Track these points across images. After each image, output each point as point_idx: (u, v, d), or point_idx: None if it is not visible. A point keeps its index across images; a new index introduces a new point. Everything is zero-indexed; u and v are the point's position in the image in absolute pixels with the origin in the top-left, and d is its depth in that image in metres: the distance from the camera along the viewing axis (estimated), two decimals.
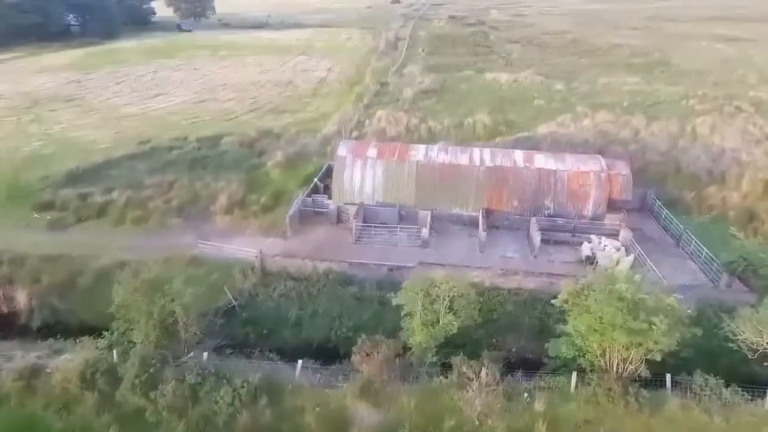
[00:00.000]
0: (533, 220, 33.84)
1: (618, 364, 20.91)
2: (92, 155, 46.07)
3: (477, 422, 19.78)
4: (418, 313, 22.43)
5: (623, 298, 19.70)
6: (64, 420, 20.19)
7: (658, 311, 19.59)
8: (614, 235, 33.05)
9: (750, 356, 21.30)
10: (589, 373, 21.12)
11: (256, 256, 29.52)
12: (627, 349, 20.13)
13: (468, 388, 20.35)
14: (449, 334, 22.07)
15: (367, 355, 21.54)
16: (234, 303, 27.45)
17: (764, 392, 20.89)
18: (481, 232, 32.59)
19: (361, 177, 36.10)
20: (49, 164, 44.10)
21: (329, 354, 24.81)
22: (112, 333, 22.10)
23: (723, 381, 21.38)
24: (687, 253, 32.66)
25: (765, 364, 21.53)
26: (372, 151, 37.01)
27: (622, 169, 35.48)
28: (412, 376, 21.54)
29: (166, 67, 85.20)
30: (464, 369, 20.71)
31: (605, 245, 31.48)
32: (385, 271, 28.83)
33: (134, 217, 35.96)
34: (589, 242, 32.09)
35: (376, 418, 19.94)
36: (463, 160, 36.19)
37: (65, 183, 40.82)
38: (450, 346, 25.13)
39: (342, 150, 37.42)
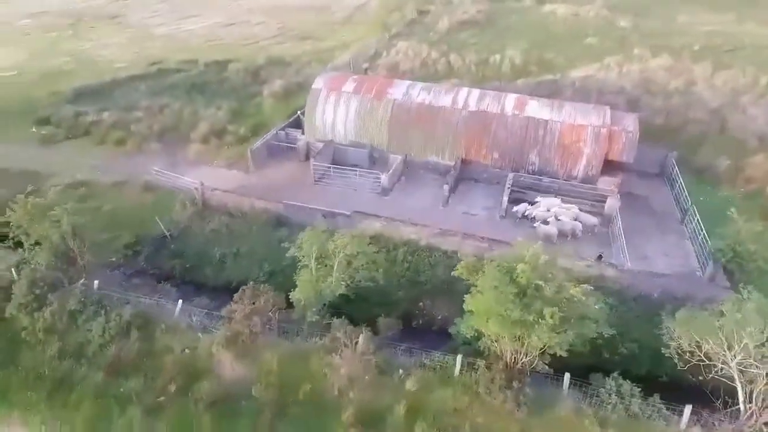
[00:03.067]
0: (510, 175, 29.87)
1: (511, 354, 18.14)
2: (105, 74, 46.99)
3: (336, 392, 18.29)
4: (312, 267, 20.69)
5: (517, 282, 16.60)
6: None
7: (556, 302, 16.34)
8: (599, 201, 28.45)
9: (680, 366, 17.54)
10: (479, 359, 18.57)
11: (197, 189, 28.82)
12: (517, 339, 17.25)
13: (338, 354, 18.72)
14: (337, 293, 20.20)
15: (253, 303, 20.40)
16: (166, 234, 27.25)
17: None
18: (446, 185, 29.40)
19: (334, 113, 33.55)
20: (63, 81, 45.60)
21: None
22: (24, 250, 22.53)
23: (647, 390, 18.01)
24: (688, 233, 27.52)
25: (700, 377, 17.73)
26: (349, 86, 34.03)
27: (629, 125, 29.84)
28: (292, 334, 20.22)
29: None
30: (338, 334, 18.96)
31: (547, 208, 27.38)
32: (319, 216, 26.99)
33: (115, 139, 36.52)
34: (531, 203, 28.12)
35: (237, 371, 19.09)
36: (444, 101, 32.27)
37: (70, 100, 42.12)
38: (364, 303, 23.60)
39: (318, 82, 34.78)
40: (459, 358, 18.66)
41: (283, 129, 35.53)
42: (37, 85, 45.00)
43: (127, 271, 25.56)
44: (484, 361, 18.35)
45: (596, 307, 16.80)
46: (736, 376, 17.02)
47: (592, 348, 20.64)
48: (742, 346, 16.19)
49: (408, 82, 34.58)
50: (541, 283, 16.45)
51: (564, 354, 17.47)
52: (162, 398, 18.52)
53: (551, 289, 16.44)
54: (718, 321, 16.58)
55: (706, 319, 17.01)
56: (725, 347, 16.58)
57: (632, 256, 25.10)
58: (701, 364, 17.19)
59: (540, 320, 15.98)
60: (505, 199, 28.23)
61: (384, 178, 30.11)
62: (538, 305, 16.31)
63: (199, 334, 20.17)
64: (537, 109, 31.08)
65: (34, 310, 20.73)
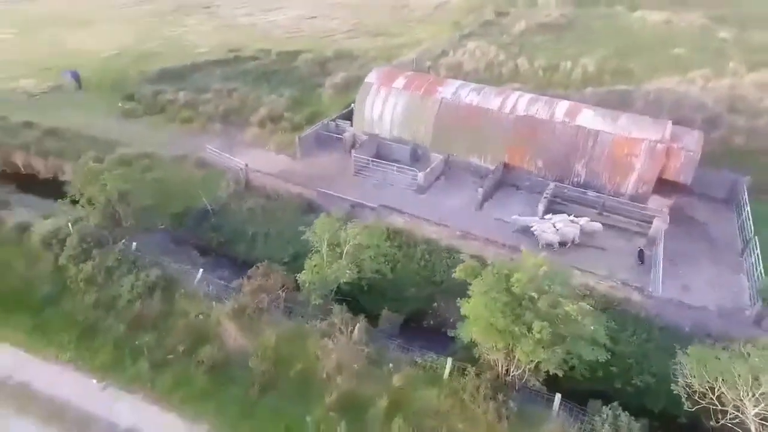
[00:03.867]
0: (551, 185, 28.61)
1: (502, 365, 17.54)
2: (188, 58, 50.85)
3: (324, 375, 18.73)
4: (323, 253, 21.28)
5: (511, 291, 16.04)
6: (27, 269, 24.35)
7: (550, 317, 15.59)
8: (646, 222, 26.44)
9: (688, 406, 16.02)
10: (471, 366, 18.13)
11: (241, 169, 30.51)
12: (506, 350, 16.67)
13: (333, 340, 19.16)
14: (342, 280, 20.61)
15: (266, 278, 21.39)
16: (208, 208, 29.14)
17: None
18: (480, 188, 28.76)
19: (382, 107, 33.95)
20: (153, 62, 49.95)
21: None
22: (81, 205, 25.19)
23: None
24: (746, 267, 24.87)
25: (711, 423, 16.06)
26: (400, 81, 34.24)
27: (690, 143, 27.37)
28: (296, 314, 20.94)
29: None
30: (335, 320, 19.39)
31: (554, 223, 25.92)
32: (347, 206, 27.52)
33: (184, 117, 39.48)
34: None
35: (239, 342, 20.15)
36: (493, 104, 31.49)
37: (153, 80, 46.08)
38: (378, 296, 23.89)
39: (371, 76, 35.33)
40: (449, 361, 18.37)
41: (333, 120, 36.49)
42: (132, 64, 49.68)
43: (169, 238, 27.64)
44: (475, 369, 17.90)
45: (591, 328, 15.71)
46: (753, 430, 15.30)
47: (605, 375, 19.51)
48: (759, 393, 14.53)
49: (459, 82, 34.12)
50: (534, 294, 15.77)
51: (559, 373, 16.72)
52: (170, 356, 20.02)
53: (545, 303, 15.70)
54: (736, 363, 14.97)
55: (722, 359, 15.42)
56: (742, 393, 14.94)
57: (672, 284, 23.16)
58: (712, 408, 15.62)
59: (527, 333, 15.33)
60: (541, 207, 27.09)
61: (420, 175, 30.03)
62: (529, 317, 15.67)
63: (213, 303, 21.45)
64: (590, 118, 29.41)
65: (80, 262, 23.22)
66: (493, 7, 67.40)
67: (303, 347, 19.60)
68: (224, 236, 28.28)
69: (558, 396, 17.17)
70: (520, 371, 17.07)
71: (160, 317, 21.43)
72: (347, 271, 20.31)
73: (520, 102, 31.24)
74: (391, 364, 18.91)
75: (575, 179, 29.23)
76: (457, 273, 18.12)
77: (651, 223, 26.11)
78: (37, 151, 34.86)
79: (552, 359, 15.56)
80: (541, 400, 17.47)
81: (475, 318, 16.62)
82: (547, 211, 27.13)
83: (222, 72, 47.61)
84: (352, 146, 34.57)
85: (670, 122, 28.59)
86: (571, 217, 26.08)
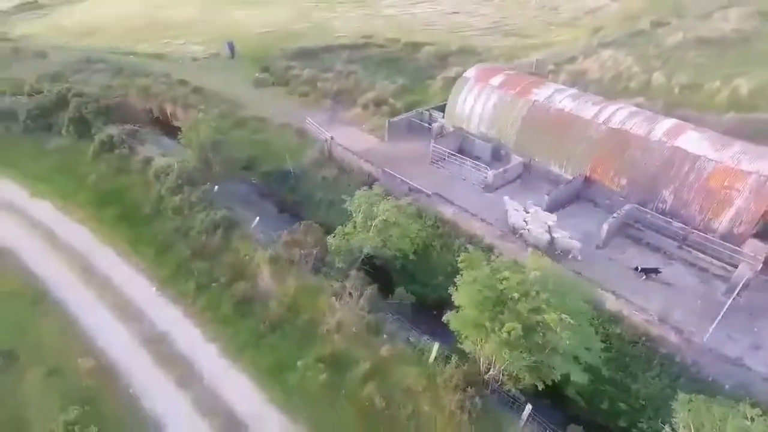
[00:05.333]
0: (626, 206, 26.22)
1: (484, 362, 17.27)
2: (325, 41, 55.58)
3: (325, 330, 20.26)
4: (357, 222, 22.75)
5: (496, 287, 15.83)
6: (141, 194, 29.88)
7: (529, 323, 15.09)
8: (734, 266, 22.95)
9: None
10: (456, 356, 18.12)
11: (326, 141, 33.18)
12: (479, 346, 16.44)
13: (340, 300, 20.62)
14: (364, 251, 21.86)
15: (304, 235, 23.65)
16: (291, 171, 32.41)
17: None
18: (546, 195, 27.44)
19: (474, 102, 33.96)
20: (294, 41, 55.64)
21: None
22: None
23: None
24: None
25: None
26: (497, 79, 33.81)
27: None
28: (320, 271, 22.78)
29: None
30: (347, 284, 20.78)
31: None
32: (406, 189, 28.45)
33: (301, 91, 43.72)
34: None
35: (267, 284, 22.67)
36: (586, 112, 29.59)
37: (289, 56, 51.45)
38: (408, 276, 24.78)
39: (471, 71, 35.40)
40: (436, 346, 18.60)
41: (428, 110, 37.39)
42: (277, 41, 55.94)
43: (257, 191, 31.68)
44: (458, 360, 17.89)
45: (567, 342, 14.75)
46: None
47: (611, 409, 18.21)
48: None
49: (557, 86, 32.55)
50: (516, 295, 15.35)
51: (539, 385, 16.11)
52: (214, 284, 23.32)
53: (526, 307, 15.20)
54: (729, 421, 13.01)
55: (721, 413, 13.46)
56: None
57: (741, 338, 20.08)
58: None
59: (496, 330, 15.07)
60: (605, 227, 25.06)
61: (490, 174, 29.64)
62: (506, 317, 15.35)
63: (259, 248, 24.29)
64: (693, 140, 26.11)
65: (173, 194, 27.89)
66: (653, 17, 61.25)
67: (315, 301, 21.37)
68: (297, 197, 31.33)
69: (528, 407, 16.40)
70: (495, 371, 16.67)
71: (216, 250, 24.96)
72: (369, 243, 21.44)
73: (618, 114, 28.88)
74: (385, 336, 19.72)
75: (660, 205, 26.31)
76: (460, 262, 18.16)
77: (733, 266, 22.64)
78: (182, 104, 41.74)
79: (515, 363, 15.05)
80: (516, 407, 16.88)
81: (459, 307, 16.68)
82: (626, 237, 25.08)
83: (348, 55, 51.22)
84: (439, 137, 35.18)
85: None
86: (551, 222, 24.47)
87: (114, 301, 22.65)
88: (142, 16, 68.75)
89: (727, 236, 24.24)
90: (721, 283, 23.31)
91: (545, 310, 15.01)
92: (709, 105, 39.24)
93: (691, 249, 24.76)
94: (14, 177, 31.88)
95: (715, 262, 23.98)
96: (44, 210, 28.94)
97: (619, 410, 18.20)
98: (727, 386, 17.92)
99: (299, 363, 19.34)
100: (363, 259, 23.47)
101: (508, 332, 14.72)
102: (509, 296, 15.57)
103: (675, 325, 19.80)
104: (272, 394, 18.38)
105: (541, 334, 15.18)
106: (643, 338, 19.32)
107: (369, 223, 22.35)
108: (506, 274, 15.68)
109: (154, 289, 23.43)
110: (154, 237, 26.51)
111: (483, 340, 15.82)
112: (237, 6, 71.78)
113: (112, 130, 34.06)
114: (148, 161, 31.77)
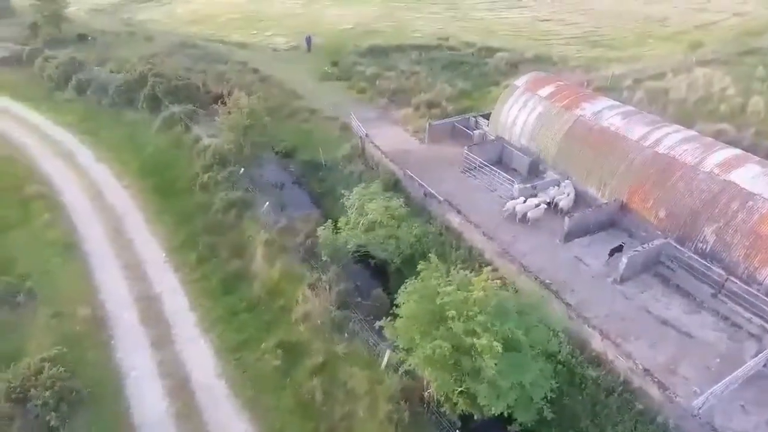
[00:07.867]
0: (657, 241, 23.35)
1: (426, 379, 16.40)
2: (400, 41, 55.83)
3: (293, 319, 20.53)
4: (350, 217, 22.76)
5: (432, 301, 14.99)
6: (185, 169, 32.28)
7: (460, 343, 14.13)
8: None
9: None
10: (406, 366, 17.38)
11: (361, 138, 33.40)
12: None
13: (314, 292, 20.79)
14: (348, 247, 21.78)
15: (304, 223, 24.27)
16: (323, 162, 33.13)
17: None
18: (569, 218, 25.25)
19: (518, 112, 32.21)
20: (370, 39, 56.59)
21: None
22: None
23: None
24: None
25: None
26: (546, 90, 31.73)
27: None
28: (307, 261, 23.18)
29: None
30: (323, 277, 20.90)
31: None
32: (421, 193, 27.78)
33: (359, 88, 44.43)
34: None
35: (258, 266, 23.50)
36: (633, 132, 26.77)
37: (360, 53, 52.48)
38: (401, 277, 24.23)
39: (522, 80, 33.59)
40: (388, 352, 18.01)
41: (475, 116, 36.12)
42: (354, 38, 57.29)
43: (292, 178, 32.95)
44: (405, 372, 17.17)
45: (492, 372, 13.46)
46: None
47: None
48: None
49: (610, 102, 29.75)
50: (453, 313, 14.41)
51: (474, 413, 15.08)
52: (214, 259, 24.64)
53: (461, 328, 14.21)
54: None
55: None
56: None
57: (763, 415, 17.10)
58: None
59: (423, 345, 14.27)
60: (624, 260, 22.51)
61: (516, 188, 27.93)
62: (438, 333, 14.49)
63: (262, 231, 25.21)
64: (751, 176, 22.53)
65: (205, 172, 29.86)
66: None
67: (295, 289, 21.71)
68: (322, 189, 31.93)
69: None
70: (431, 391, 15.77)
71: (226, 227, 26.36)
72: (352, 240, 21.33)
73: (669, 138, 25.79)
74: (346, 334, 19.52)
75: (699, 245, 23.04)
76: (418, 269, 17.33)
77: None
78: (248, 91, 44.26)
79: (444, 385, 14.11)
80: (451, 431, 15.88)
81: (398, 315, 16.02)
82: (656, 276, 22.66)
83: (416, 56, 51.00)
84: (475, 145, 33.86)
85: None
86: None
87: (127, 261, 24.79)
88: (246, 7, 73.81)
89: None
90: (754, 343, 19.98)
91: (479, 334, 13.92)
92: None
93: (727, 300, 21.46)
94: (89, 144, 36.05)
95: (754, 319, 20.56)
96: (102, 173, 32.42)
97: None
98: None
99: (262, 346, 19.79)
100: (360, 258, 23.47)
101: (432, 350, 13.86)
102: (447, 313, 14.64)
103: (655, 377, 17.27)
104: (226, 370, 19.03)
105: (473, 359, 14.10)
106: (620, 388, 17.12)
107: (359, 220, 22.22)
108: (447, 289, 14.75)
109: (163, 255, 25.28)
110: (180, 209, 28.57)
111: (407, 352, 15.07)
112: (334, 3, 74.36)
113: (176, 108, 37.18)
114: (197, 140, 34.29)
